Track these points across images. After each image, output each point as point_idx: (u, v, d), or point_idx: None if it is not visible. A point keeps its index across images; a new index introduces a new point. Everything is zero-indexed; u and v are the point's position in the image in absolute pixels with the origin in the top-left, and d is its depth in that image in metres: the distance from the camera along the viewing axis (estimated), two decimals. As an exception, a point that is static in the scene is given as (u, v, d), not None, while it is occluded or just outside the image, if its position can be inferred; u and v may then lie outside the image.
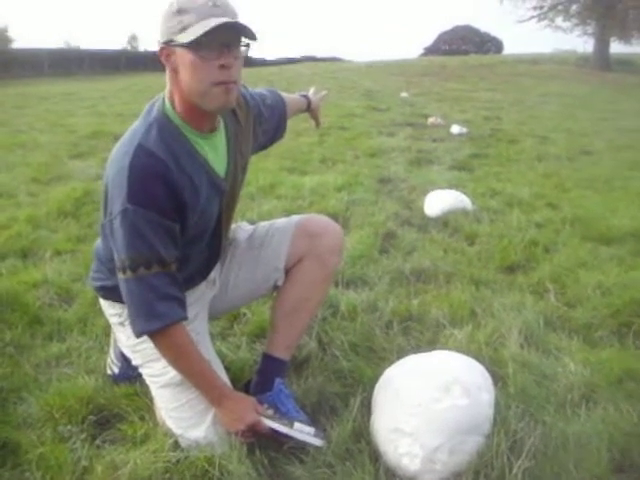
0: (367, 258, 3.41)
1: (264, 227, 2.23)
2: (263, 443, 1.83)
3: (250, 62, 21.43)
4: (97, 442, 1.90)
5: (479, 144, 7.72)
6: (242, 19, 1.67)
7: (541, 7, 30.27)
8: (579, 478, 1.71)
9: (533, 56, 29.08)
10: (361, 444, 1.82)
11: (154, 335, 1.76)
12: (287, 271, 2.14)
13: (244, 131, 1.98)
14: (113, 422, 2.01)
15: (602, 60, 26.69)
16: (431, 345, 2.42)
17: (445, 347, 2.33)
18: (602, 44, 27.65)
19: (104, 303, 2.07)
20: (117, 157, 1.72)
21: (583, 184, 5.59)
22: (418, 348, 2.38)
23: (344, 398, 2.07)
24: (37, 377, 2.27)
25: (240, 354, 2.36)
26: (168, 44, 1.65)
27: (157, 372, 1.91)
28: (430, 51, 54.51)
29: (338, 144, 7.57)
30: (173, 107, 1.76)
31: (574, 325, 2.68)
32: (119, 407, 2.06)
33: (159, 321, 1.72)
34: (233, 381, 2.01)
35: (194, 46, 1.60)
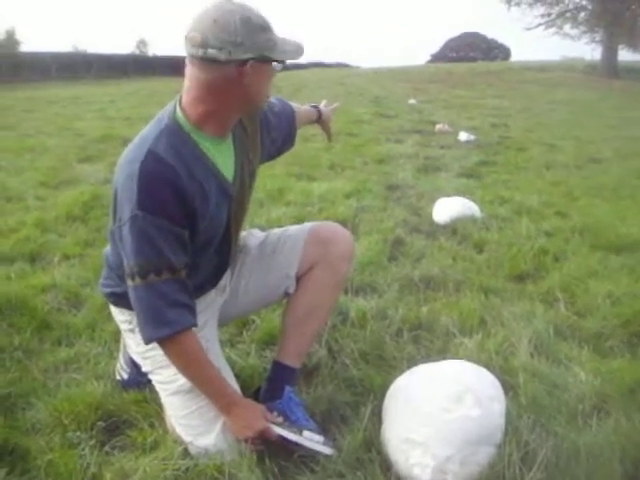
0: (376, 265, 3.40)
1: (276, 234, 2.22)
2: (273, 451, 1.82)
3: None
4: (106, 448, 1.89)
5: (487, 151, 7.72)
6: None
7: (549, 14, 30.33)
8: (592, 491, 1.69)
9: (541, 63, 29.13)
10: (372, 453, 1.81)
11: (163, 342, 1.75)
12: (298, 278, 2.13)
13: (250, 137, 1.97)
14: (122, 428, 2.00)
15: (610, 68, 26.69)
16: (441, 354, 2.40)
17: (455, 356, 2.32)
18: (610, 52, 27.66)
19: (114, 309, 2.07)
20: (126, 163, 1.71)
21: (592, 192, 5.58)
22: (428, 357, 2.37)
23: (354, 407, 2.06)
24: (46, 382, 2.26)
25: (249, 361, 2.35)
26: (259, 59, 1.67)
27: (167, 379, 1.90)
28: (437, 58, 54.66)
29: (346, 150, 7.57)
30: (185, 113, 1.75)
31: (584, 335, 2.66)
32: (128, 413, 2.05)
33: (168, 328, 1.71)
34: (243, 388, 2.00)
35: (280, 62, 1.75)
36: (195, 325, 1.78)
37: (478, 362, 2.11)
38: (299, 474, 1.76)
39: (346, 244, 2.17)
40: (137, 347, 1.97)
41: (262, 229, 2.33)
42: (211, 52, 1.62)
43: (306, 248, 2.12)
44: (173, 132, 1.74)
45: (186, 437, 1.86)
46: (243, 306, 2.23)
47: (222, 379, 1.85)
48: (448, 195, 4.76)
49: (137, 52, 45.41)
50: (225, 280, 2.12)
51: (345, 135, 8.62)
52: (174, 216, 1.69)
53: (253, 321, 2.67)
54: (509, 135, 9.34)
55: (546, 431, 1.89)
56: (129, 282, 1.72)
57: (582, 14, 29.68)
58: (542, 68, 26.60)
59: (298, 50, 1.79)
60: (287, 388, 2.01)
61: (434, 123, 10.03)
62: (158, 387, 1.96)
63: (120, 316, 2.04)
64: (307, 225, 2.23)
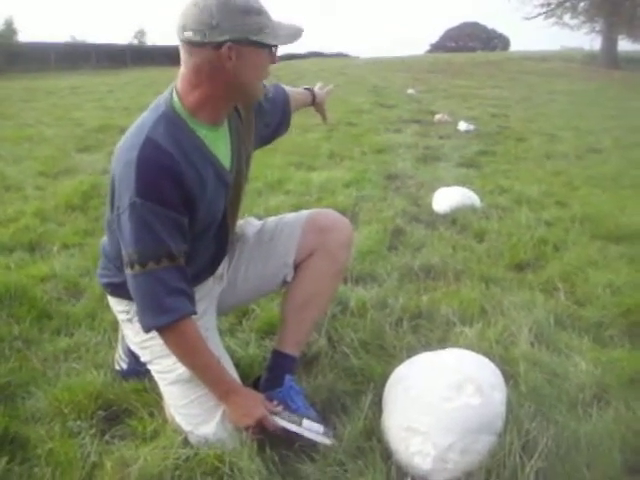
0: (376, 254, 3.39)
1: (273, 222, 2.21)
2: (274, 441, 1.81)
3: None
4: (106, 438, 1.89)
5: (487, 141, 7.70)
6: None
7: (548, 4, 30.20)
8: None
9: (540, 53, 29.02)
10: (372, 442, 1.80)
11: (163, 330, 1.74)
12: (296, 266, 2.12)
13: (245, 124, 1.96)
14: (122, 417, 2.00)
15: (610, 58, 26.63)
16: (442, 343, 2.40)
17: (456, 345, 2.31)
18: (610, 42, 27.60)
19: (112, 300, 2.06)
20: (124, 150, 1.70)
21: (592, 182, 5.56)
22: (429, 346, 2.36)
23: (354, 396, 2.05)
24: (45, 372, 2.26)
25: (249, 350, 2.35)
26: (241, 41, 1.63)
27: (166, 369, 1.90)
28: (436, 48, 54.48)
29: (346, 140, 7.55)
30: (181, 100, 1.74)
31: (584, 324, 2.66)
32: (128, 403, 2.05)
33: (168, 316, 1.71)
34: (242, 377, 2.00)
35: (271, 46, 1.69)
36: (194, 313, 1.77)
37: (478, 351, 2.10)
38: (299, 463, 1.75)
39: (345, 232, 2.16)
40: (135, 337, 1.96)
41: (259, 218, 2.32)
42: (187, 35, 1.63)
43: (304, 236, 2.11)
44: (170, 119, 1.72)
45: (186, 426, 1.85)
46: (242, 295, 2.22)
47: (221, 367, 1.84)
48: (448, 185, 4.75)
49: (135, 42, 45.19)
50: (223, 268, 2.11)
51: (344, 125, 8.61)
52: (173, 203, 1.68)
53: (253, 310, 2.66)
54: (509, 125, 9.32)
55: (547, 420, 1.88)
56: (128, 270, 1.71)
57: (582, 4, 29.58)
58: (542, 58, 26.48)
59: (294, 34, 1.74)
60: (287, 377, 2.00)
61: (433, 113, 10.00)
62: (157, 377, 1.96)
63: (118, 306, 2.03)
64: (304, 213, 2.22)
